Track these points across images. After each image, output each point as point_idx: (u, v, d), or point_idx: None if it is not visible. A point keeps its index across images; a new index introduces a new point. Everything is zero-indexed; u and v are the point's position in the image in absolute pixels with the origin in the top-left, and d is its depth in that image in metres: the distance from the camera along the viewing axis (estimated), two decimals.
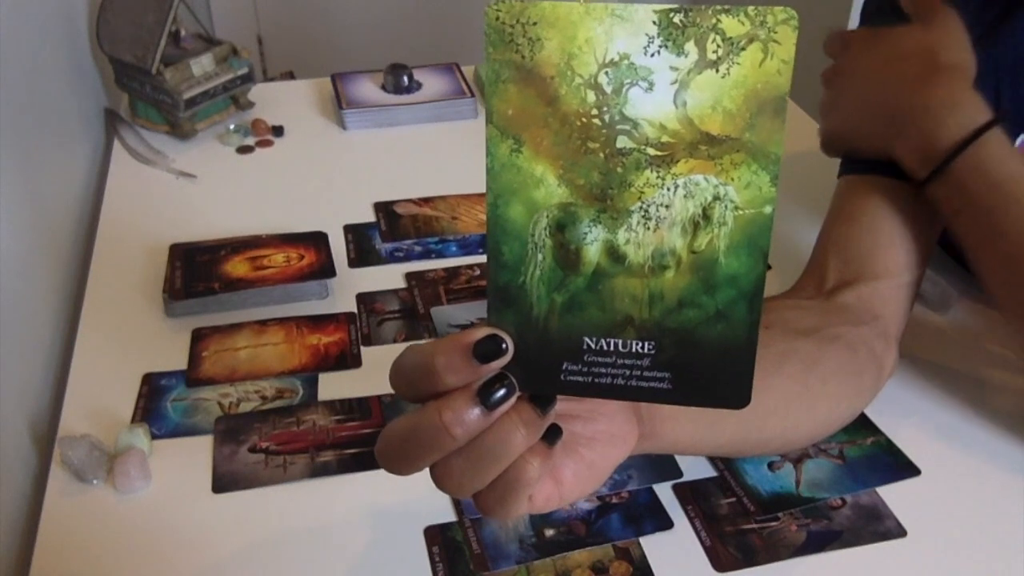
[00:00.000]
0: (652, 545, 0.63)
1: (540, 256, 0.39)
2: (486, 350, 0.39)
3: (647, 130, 0.37)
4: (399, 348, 0.57)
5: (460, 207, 1.00)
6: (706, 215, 0.38)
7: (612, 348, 0.40)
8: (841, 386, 0.64)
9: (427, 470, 0.42)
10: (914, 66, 0.66)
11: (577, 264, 0.39)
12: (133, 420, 0.72)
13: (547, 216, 0.38)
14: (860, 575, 0.61)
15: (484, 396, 0.39)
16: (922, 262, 0.70)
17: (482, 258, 0.91)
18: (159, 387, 0.75)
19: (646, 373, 0.40)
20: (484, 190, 0.38)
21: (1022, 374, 0.76)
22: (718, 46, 0.35)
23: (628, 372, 0.40)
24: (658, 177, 0.37)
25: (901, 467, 0.69)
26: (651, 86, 0.36)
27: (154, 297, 0.85)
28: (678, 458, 0.69)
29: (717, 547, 0.62)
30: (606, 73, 0.36)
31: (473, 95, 1.21)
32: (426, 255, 0.93)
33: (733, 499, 0.66)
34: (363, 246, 0.94)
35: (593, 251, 0.39)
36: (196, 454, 0.69)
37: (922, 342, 0.80)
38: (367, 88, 1.22)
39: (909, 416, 0.73)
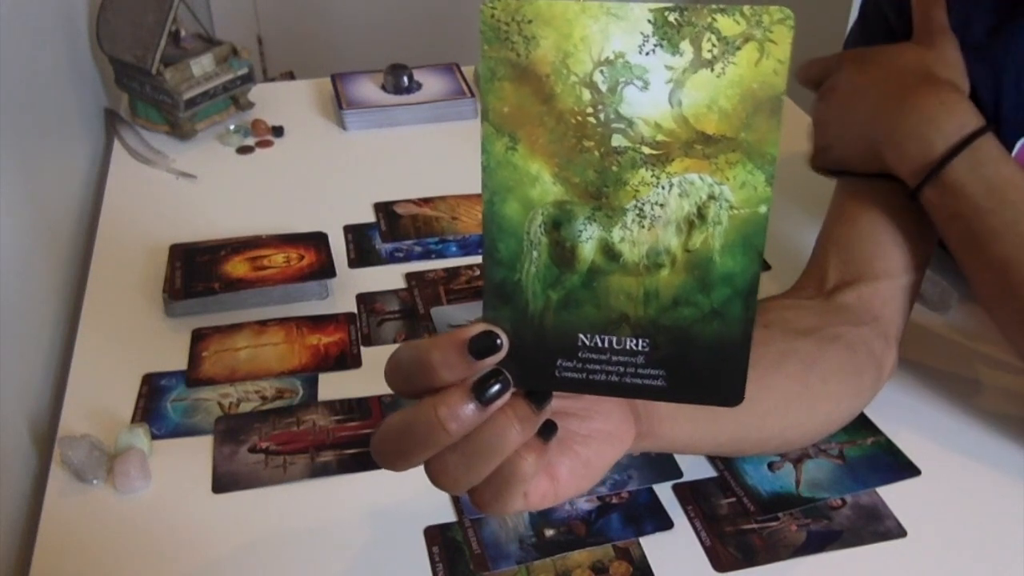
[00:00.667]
0: (652, 545, 0.63)
1: (535, 253, 0.39)
2: (481, 346, 0.39)
3: (642, 129, 0.37)
4: None
5: (460, 207, 1.00)
6: (701, 214, 0.38)
7: (607, 345, 0.40)
8: (841, 386, 0.64)
9: (422, 466, 0.42)
10: (909, 79, 0.66)
11: (572, 261, 0.39)
12: (133, 420, 0.72)
13: (542, 213, 0.38)
14: (860, 575, 0.61)
15: (479, 392, 0.39)
16: (923, 263, 0.70)
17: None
18: (159, 387, 0.75)
19: (641, 370, 0.40)
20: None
21: (1022, 375, 0.76)
22: (714, 45, 0.35)
23: (623, 369, 0.40)
24: (653, 176, 0.37)
25: (901, 467, 0.69)
26: (646, 85, 0.36)
27: (154, 297, 0.85)
28: (678, 458, 0.69)
29: (717, 547, 0.62)
30: (601, 71, 0.36)
31: (473, 95, 1.21)
32: (426, 255, 0.93)
33: (733, 499, 0.66)
34: (363, 246, 0.94)
35: (588, 249, 0.39)
36: (196, 454, 0.69)
37: (922, 342, 0.80)
38: (367, 88, 1.22)
39: (909, 416, 0.73)
